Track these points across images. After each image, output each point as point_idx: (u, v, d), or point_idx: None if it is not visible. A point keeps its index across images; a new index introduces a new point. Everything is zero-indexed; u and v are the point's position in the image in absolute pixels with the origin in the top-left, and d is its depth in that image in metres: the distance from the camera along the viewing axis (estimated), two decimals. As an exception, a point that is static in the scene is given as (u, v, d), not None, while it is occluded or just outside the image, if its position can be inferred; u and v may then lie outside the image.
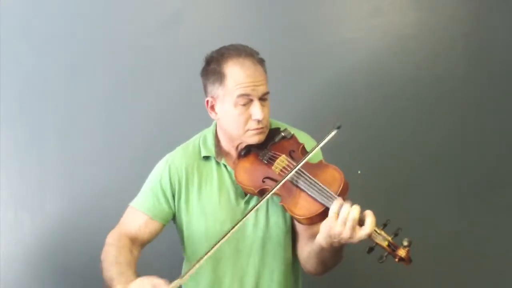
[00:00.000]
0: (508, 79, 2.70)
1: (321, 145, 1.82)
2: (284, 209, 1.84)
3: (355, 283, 2.68)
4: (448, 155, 2.69)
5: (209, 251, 1.72)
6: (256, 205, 1.79)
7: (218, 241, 1.73)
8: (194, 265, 1.71)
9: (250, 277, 1.97)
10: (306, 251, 1.90)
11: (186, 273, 1.72)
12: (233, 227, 1.75)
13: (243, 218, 1.77)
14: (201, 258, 1.72)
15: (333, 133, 1.81)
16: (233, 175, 1.95)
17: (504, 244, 2.71)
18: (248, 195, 1.96)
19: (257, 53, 1.94)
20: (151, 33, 2.65)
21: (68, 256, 2.64)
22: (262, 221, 1.95)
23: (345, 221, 1.67)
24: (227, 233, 1.74)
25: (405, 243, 1.67)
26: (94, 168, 2.65)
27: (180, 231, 2.04)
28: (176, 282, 1.68)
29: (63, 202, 2.65)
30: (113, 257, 1.87)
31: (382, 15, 2.66)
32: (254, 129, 1.90)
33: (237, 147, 1.98)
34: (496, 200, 2.70)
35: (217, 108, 1.94)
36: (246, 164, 1.94)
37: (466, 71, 2.68)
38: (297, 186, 1.81)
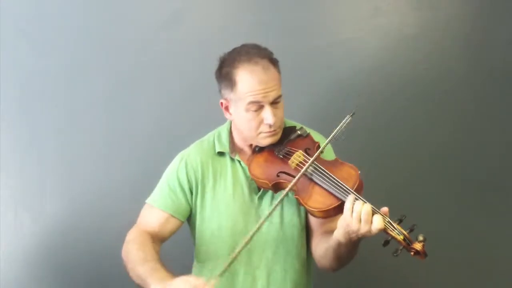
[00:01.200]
0: (508, 79, 2.70)
1: (336, 131, 1.88)
2: (298, 203, 1.85)
3: (367, 276, 2.68)
4: (448, 155, 2.68)
5: (247, 242, 1.78)
6: (284, 193, 1.82)
7: (253, 233, 1.78)
8: (231, 261, 1.77)
9: (263, 274, 1.98)
10: (323, 247, 1.91)
11: (224, 270, 1.76)
12: (266, 217, 1.81)
13: (273, 209, 1.83)
14: (238, 251, 1.77)
15: (346, 118, 1.88)
16: (247, 171, 1.97)
17: (504, 244, 2.71)
18: (262, 190, 1.97)
19: (271, 54, 1.94)
20: (151, 33, 2.65)
21: (68, 256, 2.64)
22: (277, 219, 1.97)
23: (359, 217, 1.70)
24: (260, 225, 1.80)
25: (421, 238, 1.72)
26: (94, 168, 2.65)
27: (193, 228, 2.05)
28: (214, 280, 1.72)
29: (63, 202, 2.65)
30: (139, 256, 1.86)
31: (382, 15, 2.66)
32: (266, 132, 1.92)
33: (251, 145, 2.00)
34: (496, 200, 2.70)
35: (231, 110, 1.96)
36: (261, 159, 1.96)
37: (466, 71, 2.68)
38: (312, 180, 1.84)
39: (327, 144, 1.90)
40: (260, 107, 1.89)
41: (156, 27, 2.65)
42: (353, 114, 1.89)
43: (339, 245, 1.80)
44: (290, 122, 2.05)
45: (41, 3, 2.64)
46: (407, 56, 2.67)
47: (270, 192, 1.96)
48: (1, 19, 2.61)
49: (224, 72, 1.92)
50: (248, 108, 1.89)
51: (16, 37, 2.63)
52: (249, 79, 1.87)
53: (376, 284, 2.70)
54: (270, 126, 1.90)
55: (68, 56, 2.64)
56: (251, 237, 1.78)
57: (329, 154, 1.99)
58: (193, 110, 2.63)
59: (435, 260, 2.65)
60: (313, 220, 1.98)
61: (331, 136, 1.88)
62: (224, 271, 1.77)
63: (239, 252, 1.77)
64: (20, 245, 2.63)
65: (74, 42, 2.64)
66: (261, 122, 1.90)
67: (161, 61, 2.65)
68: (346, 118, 1.89)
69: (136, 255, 1.86)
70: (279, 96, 1.91)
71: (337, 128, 1.88)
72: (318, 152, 1.88)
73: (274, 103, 1.90)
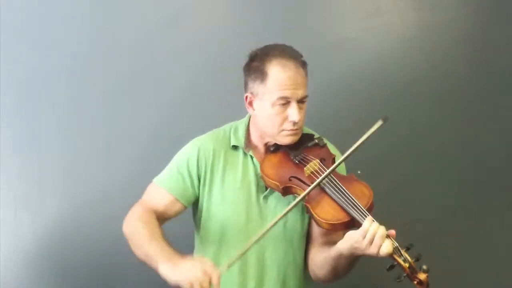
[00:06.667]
0: (508, 79, 2.70)
1: (367, 135, 1.90)
2: (306, 210, 1.84)
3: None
4: (448, 155, 2.69)
5: (259, 237, 1.79)
6: (298, 199, 1.81)
7: (267, 230, 1.79)
8: (242, 253, 1.79)
9: (257, 273, 1.97)
10: (321, 257, 1.91)
11: (233, 262, 1.78)
12: (282, 216, 1.82)
13: (288, 210, 1.82)
14: (248, 247, 1.78)
15: (378, 124, 1.89)
16: (258, 168, 1.97)
17: (504, 244, 2.71)
18: (268, 190, 1.96)
19: (301, 56, 1.95)
20: (151, 33, 2.65)
21: (68, 256, 2.64)
22: (280, 222, 1.93)
23: (372, 240, 1.70)
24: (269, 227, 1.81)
25: (425, 268, 1.70)
26: (94, 168, 2.65)
27: (197, 218, 2.04)
28: (222, 268, 1.74)
29: (63, 202, 2.65)
30: (145, 233, 1.86)
31: (382, 15, 2.66)
32: (289, 130, 1.92)
33: (266, 144, 2.00)
34: (496, 200, 2.71)
35: (255, 105, 1.95)
36: (275, 159, 1.96)
37: (466, 72, 2.68)
38: (324, 191, 1.83)
39: (344, 159, 1.87)
40: (287, 102, 1.89)
41: (156, 27, 2.65)
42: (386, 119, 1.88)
43: (339, 256, 1.80)
44: (309, 130, 2.05)
45: (41, 3, 2.64)
46: (407, 56, 2.67)
47: (276, 193, 1.95)
48: (1, 19, 2.61)
49: (255, 65, 1.93)
50: (275, 103, 1.89)
51: (16, 37, 2.63)
52: (281, 73, 1.88)
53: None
54: (294, 123, 1.90)
55: (68, 56, 2.64)
56: (264, 234, 1.79)
57: (342, 169, 1.99)
58: (193, 110, 2.63)
59: (433, 260, 2.67)
60: (315, 230, 1.97)
61: (349, 152, 1.85)
62: (233, 263, 1.78)
63: (250, 248, 1.78)
64: (20, 245, 2.63)
65: (74, 42, 2.64)
66: (285, 119, 1.91)
67: (161, 61, 2.65)
68: (367, 133, 1.89)
69: (142, 232, 1.86)
70: (306, 97, 1.92)
71: (356, 144, 1.86)
72: (336, 164, 1.85)
73: (300, 102, 1.91)
